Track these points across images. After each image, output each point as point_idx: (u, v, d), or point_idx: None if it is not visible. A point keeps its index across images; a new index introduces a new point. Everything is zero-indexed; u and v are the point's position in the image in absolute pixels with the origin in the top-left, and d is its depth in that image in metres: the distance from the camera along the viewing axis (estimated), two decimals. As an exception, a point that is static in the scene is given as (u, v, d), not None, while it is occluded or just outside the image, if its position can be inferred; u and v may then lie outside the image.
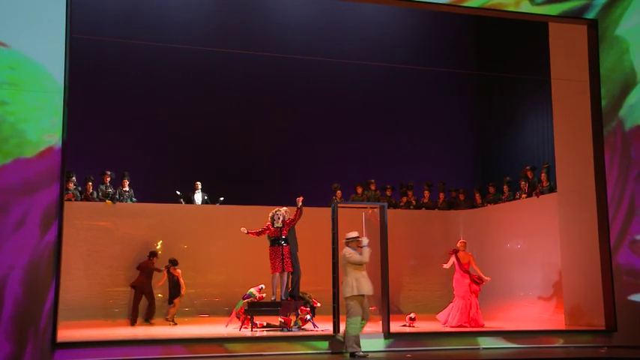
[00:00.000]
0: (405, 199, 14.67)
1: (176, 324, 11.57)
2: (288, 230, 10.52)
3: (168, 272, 11.95)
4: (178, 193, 13.52)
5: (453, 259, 11.42)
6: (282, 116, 15.80)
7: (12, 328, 7.50)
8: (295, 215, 10.49)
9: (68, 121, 8.05)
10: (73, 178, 12.59)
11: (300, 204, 10.42)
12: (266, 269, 10.47)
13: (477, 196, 14.43)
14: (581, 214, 10.65)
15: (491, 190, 14.20)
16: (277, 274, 10.33)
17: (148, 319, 11.78)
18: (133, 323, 11.66)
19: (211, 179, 14.68)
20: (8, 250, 7.59)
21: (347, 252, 8.58)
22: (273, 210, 10.55)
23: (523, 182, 13.24)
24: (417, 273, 13.84)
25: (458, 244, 11.52)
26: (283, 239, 10.37)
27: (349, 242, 8.67)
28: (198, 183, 13.67)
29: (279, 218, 10.43)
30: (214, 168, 15.05)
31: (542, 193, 12.52)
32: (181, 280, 11.91)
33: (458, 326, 10.87)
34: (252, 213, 12.83)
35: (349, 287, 8.44)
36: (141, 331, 10.71)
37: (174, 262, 11.96)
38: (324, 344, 8.82)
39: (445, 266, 11.54)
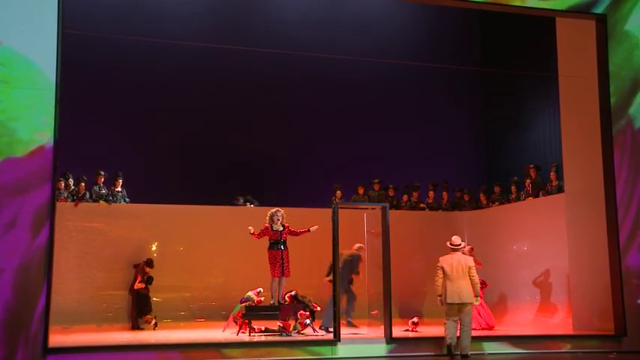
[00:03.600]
0: (406, 197, 14.65)
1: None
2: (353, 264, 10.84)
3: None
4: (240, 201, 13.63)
5: None
6: (281, 114, 15.77)
7: (2, 333, 7.49)
8: (300, 232, 10.42)
9: (60, 120, 8.04)
10: (70, 180, 12.58)
11: (311, 229, 10.43)
12: (265, 272, 10.44)
13: (482, 196, 14.41)
14: (590, 215, 10.62)
15: (497, 189, 14.18)
16: (277, 278, 10.28)
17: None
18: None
19: (209, 179, 14.68)
20: (-2, 253, 7.58)
21: (471, 261, 9.12)
22: (271, 210, 10.50)
23: (528, 181, 13.24)
24: (420, 276, 13.80)
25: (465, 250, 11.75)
26: (282, 243, 10.30)
27: (460, 248, 9.19)
28: (240, 199, 13.65)
29: (278, 220, 10.35)
30: (212, 168, 15.03)
31: (550, 193, 12.50)
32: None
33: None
34: (250, 214, 12.82)
35: (470, 290, 8.89)
36: (135, 336, 10.69)
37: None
38: (325, 349, 8.80)
39: None
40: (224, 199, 13.60)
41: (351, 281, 11.19)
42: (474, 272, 8.97)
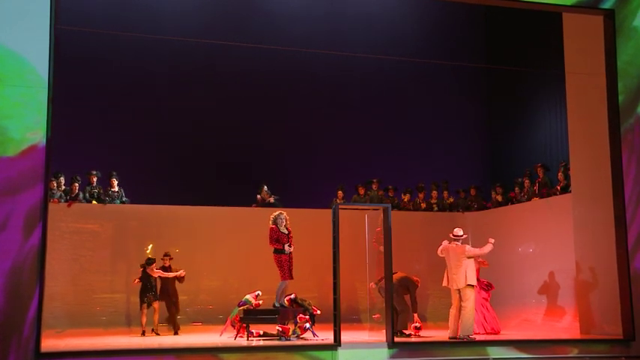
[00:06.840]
0: (406, 197, 14.64)
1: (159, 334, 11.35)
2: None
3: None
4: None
5: None
6: (281, 113, 15.76)
7: (-7, 338, 7.49)
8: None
9: (53, 118, 8.03)
10: (62, 179, 12.56)
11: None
12: (263, 274, 10.45)
13: (494, 194, 14.35)
14: (597, 215, 10.62)
15: (517, 190, 14.05)
16: (287, 281, 10.24)
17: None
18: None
19: (207, 179, 14.66)
20: (-11, 255, 7.57)
21: (463, 248, 9.91)
22: (274, 212, 10.44)
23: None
24: (423, 279, 13.79)
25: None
26: (288, 246, 10.26)
27: (460, 239, 9.99)
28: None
29: (283, 222, 10.31)
30: (210, 167, 15.01)
31: (559, 194, 12.47)
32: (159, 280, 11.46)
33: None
34: (249, 215, 12.82)
35: (463, 277, 9.71)
36: (129, 341, 10.69)
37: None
38: (325, 354, 8.79)
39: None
40: (223, 200, 13.59)
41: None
42: (469, 254, 9.83)
